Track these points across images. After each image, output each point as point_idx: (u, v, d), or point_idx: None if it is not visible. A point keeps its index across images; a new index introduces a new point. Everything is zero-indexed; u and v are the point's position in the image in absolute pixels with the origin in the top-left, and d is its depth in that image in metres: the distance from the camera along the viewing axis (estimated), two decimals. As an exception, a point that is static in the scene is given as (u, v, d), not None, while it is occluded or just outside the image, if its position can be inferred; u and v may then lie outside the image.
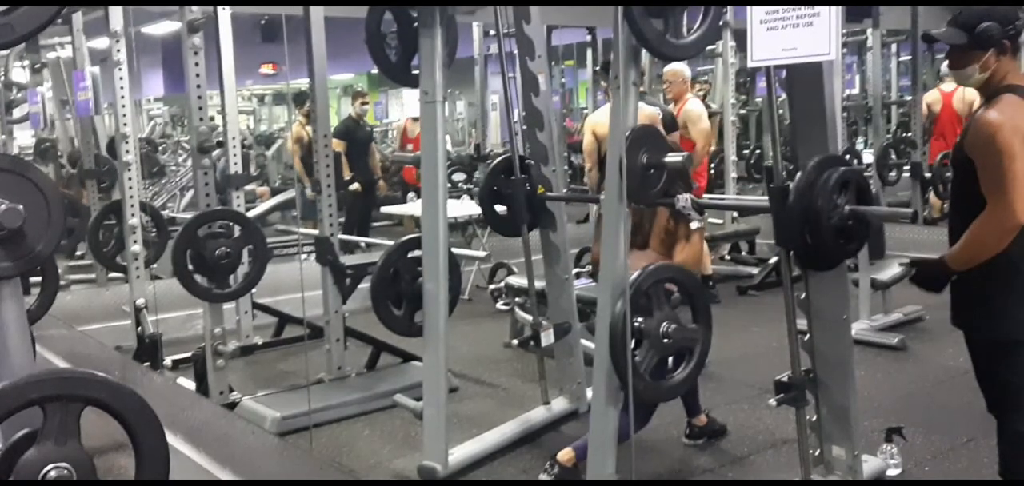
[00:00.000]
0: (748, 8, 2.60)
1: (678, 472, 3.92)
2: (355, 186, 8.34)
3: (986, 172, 2.69)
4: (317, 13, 4.72)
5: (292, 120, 9.00)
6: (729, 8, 6.78)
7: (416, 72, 3.75)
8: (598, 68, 9.07)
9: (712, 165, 8.39)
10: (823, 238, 2.79)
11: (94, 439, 1.99)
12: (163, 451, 1.89)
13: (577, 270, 5.48)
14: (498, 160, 4.31)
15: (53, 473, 1.78)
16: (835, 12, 2.45)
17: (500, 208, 4.22)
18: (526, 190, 4.08)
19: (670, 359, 3.06)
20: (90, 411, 1.84)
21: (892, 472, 3.62)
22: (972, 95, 7.97)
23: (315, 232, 5.15)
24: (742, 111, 10.01)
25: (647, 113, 5.92)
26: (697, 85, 10.95)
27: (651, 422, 3.75)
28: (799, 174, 2.81)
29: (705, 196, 7.20)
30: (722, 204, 7.64)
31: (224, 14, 5.01)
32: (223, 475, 2.95)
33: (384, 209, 8.96)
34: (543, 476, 3.69)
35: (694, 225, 3.52)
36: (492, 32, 7.30)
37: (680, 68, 6.71)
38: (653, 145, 2.85)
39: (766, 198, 3.00)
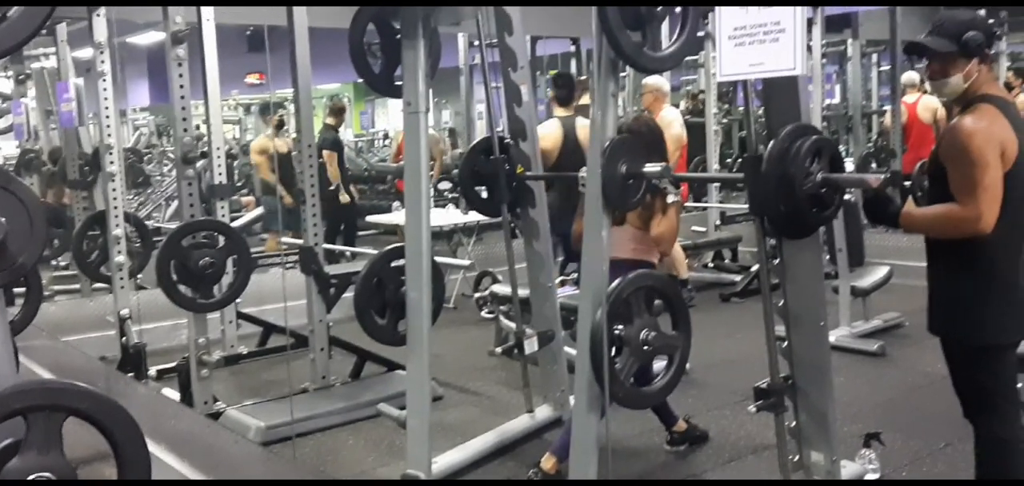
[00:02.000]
0: (718, 18, 2.64)
1: (660, 477, 3.95)
2: (345, 197, 8.41)
3: (958, 179, 2.73)
4: (301, 23, 4.73)
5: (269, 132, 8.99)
6: (710, 18, 6.87)
7: (399, 83, 3.78)
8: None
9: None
10: (797, 205, 2.81)
11: (78, 450, 2.00)
12: (145, 461, 1.90)
13: (561, 278, 5.51)
14: (477, 140, 4.32)
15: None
16: (801, 27, 2.48)
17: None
18: (506, 169, 4.10)
19: (650, 365, 3.09)
20: (75, 422, 1.85)
21: (870, 476, 3.66)
22: (935, 103, 8.11)
23: (299, 241, 5.16)
24: (724, 120, 10.08)
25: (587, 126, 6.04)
26: (697, 97, 11.04)
27: (633, 429, 3.78)
28: (772, 142, 2.82)
29: (687, 199, 7.28)
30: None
31: (209, 24, 5.02)
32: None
33: (369, 218, 8.98)
34: (526, 483, 3.72)
35: (670, 199, 3.56)
36: (477, 42, 7.38)
37: (655, 82, 6.87)
38: (632, 154, 2.89)
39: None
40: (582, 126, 5.77)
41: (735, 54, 2.57)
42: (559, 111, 5.94)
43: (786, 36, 2.46)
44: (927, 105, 8.23)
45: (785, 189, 2.78)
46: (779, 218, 2.90)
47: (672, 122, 6.82)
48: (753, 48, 2.54)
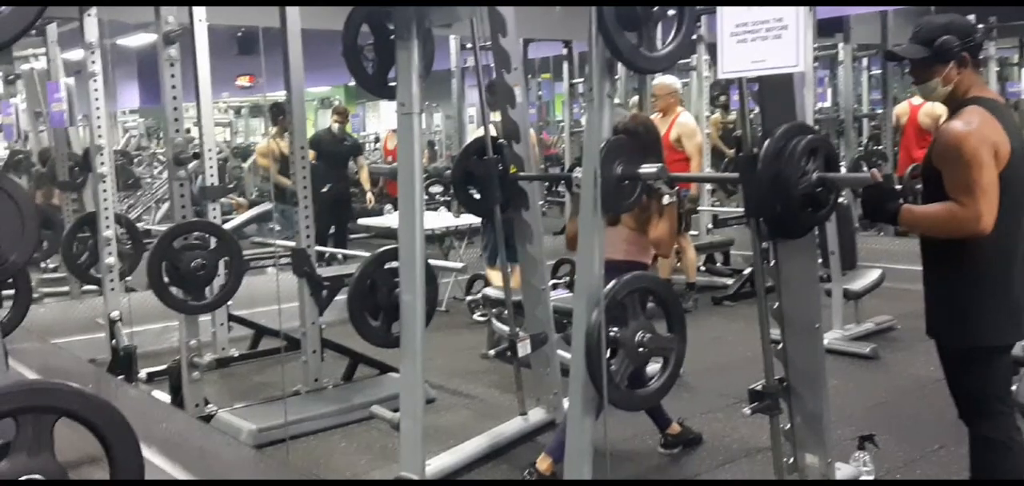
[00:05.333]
0: (718, 18, 2.63)
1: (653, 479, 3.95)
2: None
3: (954, 182, 2.73)
4: (294, 25, 4.72)
5: (268, 133, 8.97)
6: (702, 21, 6.84)
7: (393, 84, 3.77)
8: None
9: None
10: (792, 205, 2.80)
11: (69, 453, 1.98)
12: (138, 462, 1.89)
13: (553, 281, 5.50)
14: (470, 141, 4.29)
15: (26, 484, 1.77)
16: (803, 23, 2.49)
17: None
18: (499, 170, 4.09)
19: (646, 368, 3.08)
20: (66, 424, 1.83)
21: (865, 478, 3.66)
22: (939, 110, 8.10)
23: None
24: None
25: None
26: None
27: (626, 431, 3.77)
28: (767, 141, 2.80)
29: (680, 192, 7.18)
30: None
31: (201, 25, 4.99)
32: None
33: (361, 221, 8.96)
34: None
35: (666, 200, 3.55)
36: (469, 45, 7.37)
37: (669, 81, 6.63)
38: (628, 155, 2.88)
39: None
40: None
41: (736, 51, 2.56)
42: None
43: (788, 33, 2.46)
44: (929, 111, 8.23)
45: (780, 189, 2.77)
46: (774, 218, 2.89)
47: (695, 131, 6.58)
48: (755, 45, 2.53)
